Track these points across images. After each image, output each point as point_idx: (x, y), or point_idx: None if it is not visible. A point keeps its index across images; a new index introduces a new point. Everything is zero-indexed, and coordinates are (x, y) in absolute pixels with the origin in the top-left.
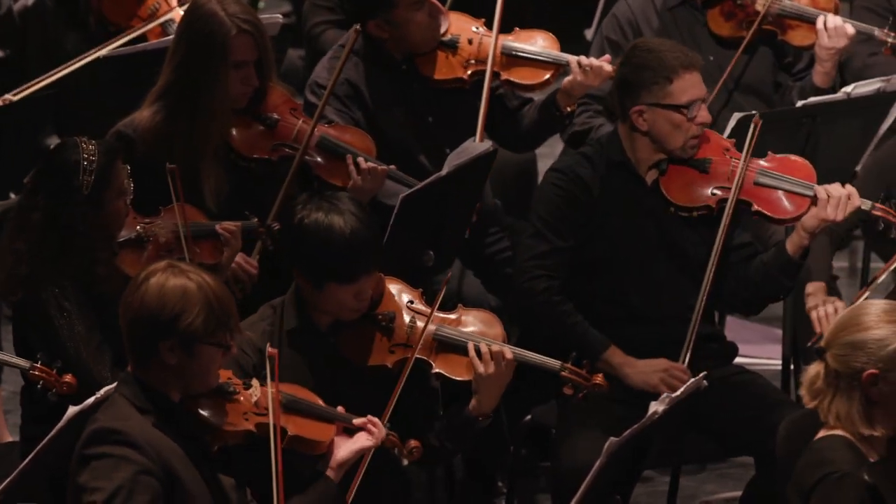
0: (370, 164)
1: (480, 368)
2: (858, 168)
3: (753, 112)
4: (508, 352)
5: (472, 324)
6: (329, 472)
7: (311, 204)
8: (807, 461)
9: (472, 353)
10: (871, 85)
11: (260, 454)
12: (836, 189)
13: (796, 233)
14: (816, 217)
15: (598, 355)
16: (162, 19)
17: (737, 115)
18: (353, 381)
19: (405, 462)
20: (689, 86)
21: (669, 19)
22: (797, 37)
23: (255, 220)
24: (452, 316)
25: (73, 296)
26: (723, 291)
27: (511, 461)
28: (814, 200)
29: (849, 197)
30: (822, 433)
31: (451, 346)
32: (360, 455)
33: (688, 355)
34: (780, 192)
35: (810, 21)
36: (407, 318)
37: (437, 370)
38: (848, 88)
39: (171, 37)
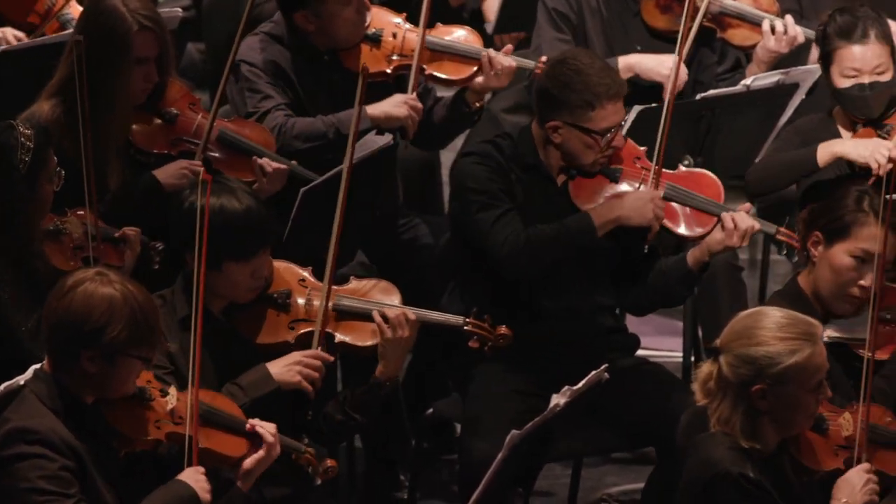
0: (275, 166)
1: (388, 333)
2: (758, 159)
3: (653, 105)
4: (411, 313)
5: (370, 292)
6: (238, 482)
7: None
8: (694, 457)
9: (377, 318)
10: (771, 77)
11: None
12: (742, 220)
13: (699, 249)
14: (721, 242)
15: (592, 226)
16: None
17: (637, 108)
18: (253, 362)
19: (318, 481)
20: (609, 114)
21: (605, 3)
22: (738, 36)
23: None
24: (348, 286)
25: (10, 274)
26: (624, 293)
27: (413, 454)
28: (719, 222)
29: (752, 227)
30: (711, 431)
31: (352, 315)
32: (266, 465)
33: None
34: (687, 208)
35: (752, 22)
36: (303, 294)
37: (339, 339)
38: (747, 81)
39: (68, 31)
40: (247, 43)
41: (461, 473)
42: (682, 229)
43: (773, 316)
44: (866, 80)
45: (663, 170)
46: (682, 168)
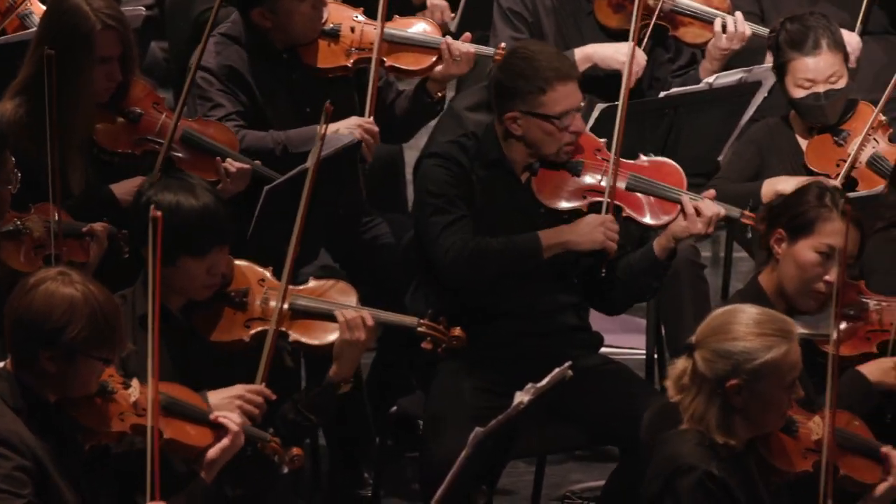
0: (239, 165)
1: (346, 335)
2: (720, 158)
3: (616, 103)
4: (368, 315)
5: (327, 292)
6: (202, 473)
7: (160, 184)
8: (660, 453)
9: (340, 318)
10: (733, 75)
11: (135, 454)
12: (706, 206)
13: (664, 236)
14: (685, 229)
15: (540, 248)
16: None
17: (600, 106)
18: (211, 361)
19: (285, 470)
20: (562, 97)
21: (559, 2)
22: (690, 34)
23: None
24: (306, 286)
25: None
26: (592, 291)
27: (377, 452)
28: (682, 210)
29: (717, 213)
30: (680, 428)
31: (307, 315)
32: (231, 454)
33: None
34: (651, 198)
35: (704, 20)
36: (260, 293)
37: (294, 338)
38: (710, 79)
39: (31, 30)
40: (201, 47)
41: (423, 472)
42: (647, 218)
43: (750, 312)
44: (821, 89)
45: (625, 160)
46: (644, 158)
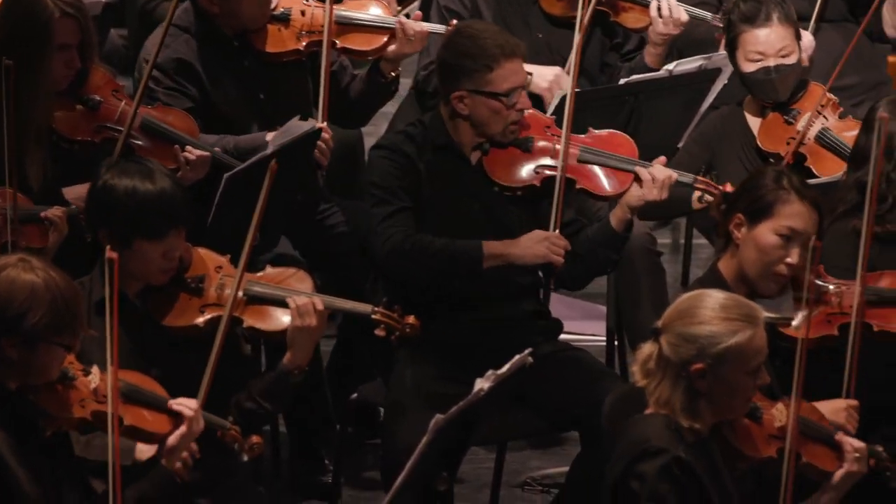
0: (198, 153)
1: (298, 321)
2: (680, 145)
3: (577, 90)
4: (319, 302)
5: (283, 280)
6: (162, 460)
7: (117, 167)
8: (626, 437)
9: (291, 305)
10: (693, 62)
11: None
12: (658, 171)
13: (619, 207)
14: (640, 198)
15: (480, 256)
16: None
17: (559, 93)
18: (167, 346)
19: (245, 458)
20: (509, 74)
21: None
22: (630, 19)
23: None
24: (261, 273)
25: None
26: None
27: (337, 439)
28: (636, 178)
29: (670, 177)
30: (647, 412)
31: (262, 301)
32: (190, 441)
33: (556, 228)
34: (603, 169)
35: (642, 4)
36: (216, 279)
37: (247, 324)
38: (670, 66)
39: None
40: (151, 39)
41: (383, 459)
42: (602, 190)
43: (717, 297)
44: (771, 63)
45: (576, 135)
46: (594, 131)
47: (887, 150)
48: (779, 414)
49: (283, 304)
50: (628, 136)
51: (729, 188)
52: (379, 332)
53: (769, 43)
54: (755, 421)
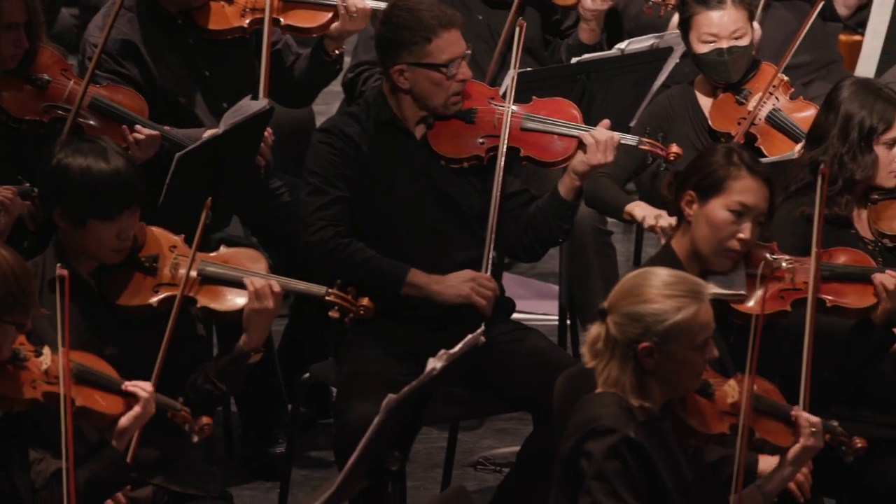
0: (148, 132)
1: (255, 303)
2: (633, 123)
3: (528, 69)
4: (276, 283)
5: (237, 260)
6: (113, 441)
7: (71, 146)
8: (578, 417)
9: (249, 286)
10: (645, 41)
11: (48, 422)
12: (600, 133)
13: (567, 175)
14: (586, 163)
15: (402, 280)
16: None
17: (511, 73)
18: (121, 326)
19: (195, 439)
20: (447, 44)
21: None
22: None
23: (28, 184)
24: (216, 253)
25: None
26: (505, 240)
27: (290, 419)
28: (580, 144)
29: (613, 138)
30: (598, 391)
31: (216, 281)
32: (142, 423)
33: (489, 267)
34: (547, 136)
35: None
36: (170, 259)
37: (201, 304)
38: (622, 45)
39: None
40: (95, 21)
41: (337, 438)
42: (547, 156)
43: (660, 274)
44: (724, 45)
45: (520, 104)
46: (536, 98)
47: (843, 133)
48: (731, 390)
49: (237, 284)
50: (571, 102)
51: (675, 148)
52: (333, 314)
53: (722, 25)
54: (707, 397)
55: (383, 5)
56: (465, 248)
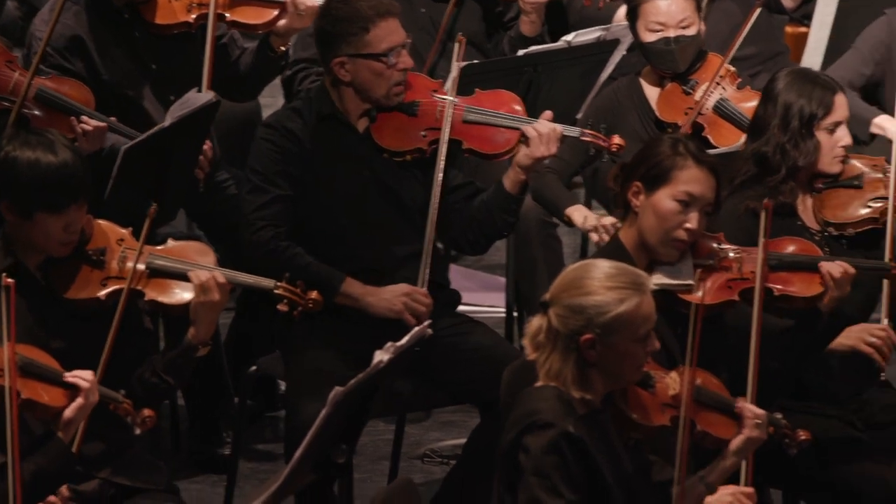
0: (95, 124)
1: (200, 296)
2: (579, 116)
3: (475, 62)
4: (221, 276)
5: (185, 253)
6: (59, 433)
7: (19, 138)
8: (517, 410)
9: (194, 280)
10: (592, 33)
11: None
12: (543, 125)
13: (512, 169)
14: (530, 156)
15: (336, 289)
16: None
17: (457, 65)
18: (68, 319)
19: (138, 431)
20: (386, 34)
21: None
22: None
23: None
24: (163, 246)
25: None
26: (449, 233)
27: (237, 412)
28: (523, 137)
29: (555, 130)
30: (538, 384)
31: (164, 274)
32: (86, 413)
33: (425, 280)
34: (490, 128)
35: None
36: (118, 252)
37: (149, 298)
38: (569, 37)
39: None
40: (41, 14)
41: (287, 434)
42: (489, 148)
43: (602, 266)
44: (671, 34)
45: (463, 96)
46: (478, 91)
47: (783, 122)
48: (672, 382)
49: (185, 277)
50: (513, 94)
51: (617, 140)
52: (282, 308)
53: (670, 14)
54: (648, 389)
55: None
56: (408, 241)
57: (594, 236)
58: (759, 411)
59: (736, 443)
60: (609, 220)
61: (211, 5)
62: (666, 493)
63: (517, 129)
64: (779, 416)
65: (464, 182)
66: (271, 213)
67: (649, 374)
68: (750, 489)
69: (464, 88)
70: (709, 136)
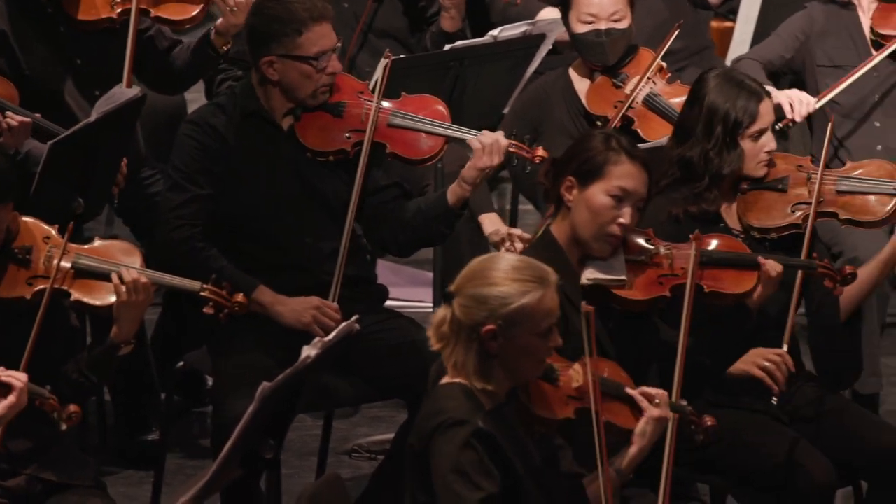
0: (19, 119)
1: (123, 295)
2: (505, 110)
3: (401, 56)
4: (146, 277)
5: (111, 253)
6: None
7: None
8: (426, 409)
9: (115, 280)
10: (518, 28)
11: None
12: (486, 136)
13: (458, 184)
14: (474, 167)
15: (247, 296)
16: None
17: (384, 61)
18: None
19: (63, 427)
20: (318, 37)
21: None
22: None
23: None
24: (89, 246)
25: None
26: (378, 234)
27: (164, 408)
28: (448, 141)
29: (499, 141)
30: (444, 380)
31: (90, 274)
32: (15, 412)
33: (336, 294)
34: (414, 133)
35: None
36: (44, 251)
37: (75, 298)
38: (495, 32)
39: None
40: None
41: (214, 431)
42: (412, 153)
43: (508, 259)
44: (603, 26)
45: (390, 99)
46: (405, 94)
47: (707, 127)
48: (576, 374)
49: (110, 278)
50: (439, 100)
51: (540, 151)
52: (207, 310)
53: (602, 6)
54: (551, 383)
55: None
56: (332, 237)
57: (502, 249)
58: (657, 391)
59: (640, 426)
60: (518, 231)
61: (134, 2)
62: (575, 484)
63: (443, 135)
64: (683, 402)
65: (390, 183)
66: (189, 212)
67: (553, 367)
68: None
69: (391, 89)
70: (638, 130)
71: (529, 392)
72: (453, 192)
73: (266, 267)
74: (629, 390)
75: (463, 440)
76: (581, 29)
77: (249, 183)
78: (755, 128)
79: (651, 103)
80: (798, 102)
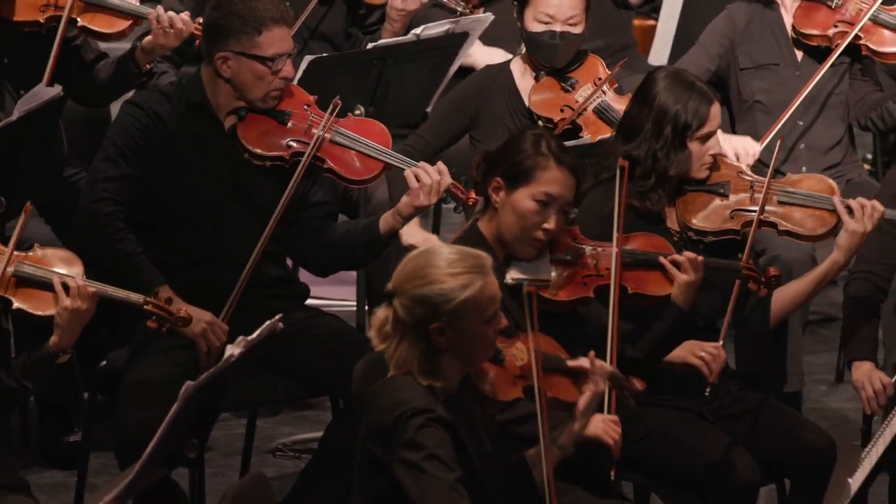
0: None
1: (66, 303)
2: (429, 109)
3: (324, 55)
4: (89, 287)
5: (52, 261)
6: None
7: None
8: (381, 403)
9: (58, 288)
10: (441, 26)
11: None
12: (424, 175)
13: (392, 214)
14: (410, 204)
15: (151, 290)
16: None
17: (308, 58)
18: None
19: None
20: (277, 39)
21: None
22: None
23: None
24: (31, 253)
25: None
26: (299, 250)
27: (86, 407)
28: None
29: (441, 182)
30: (392, 375)
31: (32, 283)
32: None
33: (236, 300)
34: (353, 153)
35: None
36: None
37: (17, 306)
38: (417, 30)
39: None
40: None
41: (118, 445)
42: (348, 172)
43: (443, 253)
44: (558, 28)
45: (337, 118)
46: (353, 116)
47: (657, 127)
48: (519, 353)
49: (51, 287)
50: (384, 127)
51: (474, 195)
52: (151, 324)
53: (560, 8)
54: (498, 364)
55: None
56: (252, 243)
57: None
58: (599, 362)
59: (582, 401)
60: (434, 238)
61: (66, 9)
62: (522, 468)
63: (382, 161)
64: (617, 371)
65: (321, 201)
66: (116, 188)
67: (498, 349)
68: (615, 417)
69: (329, 95)
70: (588, 136)
71: (478, 375)
72: (386, 221)
73: (182, 260)
74: (577, 362)
75: (429, 427)
76: (536, 28)
77: (182, 174)
78: (704, 131)
79: (602, 114)
80: (744, 154)
